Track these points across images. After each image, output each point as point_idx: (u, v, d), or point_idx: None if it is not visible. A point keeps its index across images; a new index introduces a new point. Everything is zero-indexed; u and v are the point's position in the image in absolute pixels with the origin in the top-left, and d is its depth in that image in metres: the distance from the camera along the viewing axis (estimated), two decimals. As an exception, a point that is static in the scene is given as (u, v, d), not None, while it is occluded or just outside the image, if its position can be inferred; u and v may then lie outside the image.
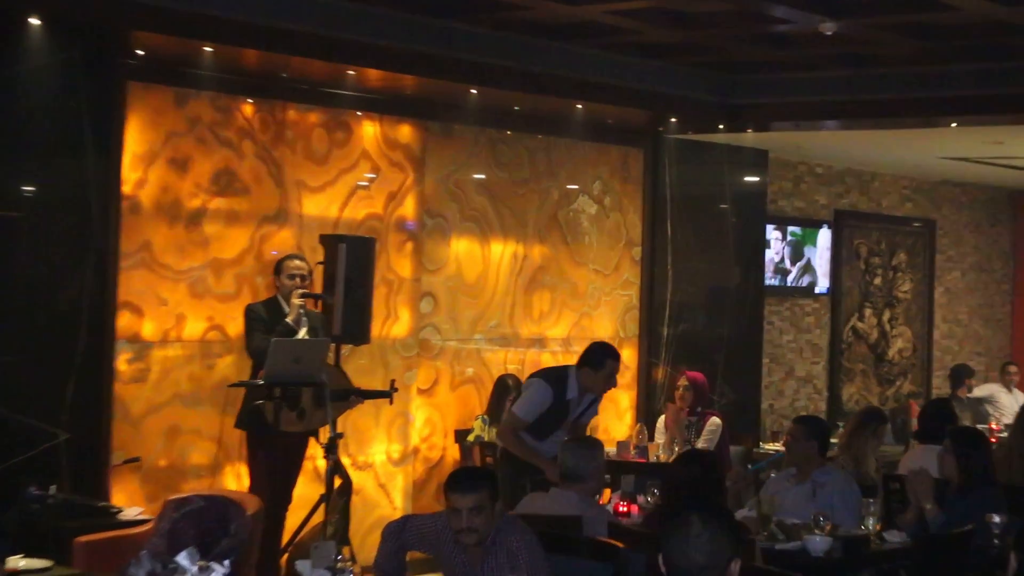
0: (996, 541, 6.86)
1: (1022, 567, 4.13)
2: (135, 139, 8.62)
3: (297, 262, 8.69)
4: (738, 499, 8.88)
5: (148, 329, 8.74)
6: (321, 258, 8.79)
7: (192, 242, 8.94)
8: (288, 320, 8.52)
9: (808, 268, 13.77)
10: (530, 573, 5.50)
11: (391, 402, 8.87)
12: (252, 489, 8.38)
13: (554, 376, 8.59)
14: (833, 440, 9.17)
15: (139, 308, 8.69)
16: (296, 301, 8.59)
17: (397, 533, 5.96)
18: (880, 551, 7.16)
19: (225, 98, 9.08)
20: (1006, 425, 12.64)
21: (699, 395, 10.50)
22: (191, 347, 8.95)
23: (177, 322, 8.87)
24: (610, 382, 8.73)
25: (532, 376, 8.71)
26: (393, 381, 8.75)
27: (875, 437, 8.89)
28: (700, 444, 10.12)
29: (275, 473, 8.50)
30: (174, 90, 8.83)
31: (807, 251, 13.72)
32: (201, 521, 6.01)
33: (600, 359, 8.63)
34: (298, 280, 8.62)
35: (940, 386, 15.35)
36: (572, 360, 11.04)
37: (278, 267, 8.68)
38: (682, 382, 10.59)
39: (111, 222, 8.36)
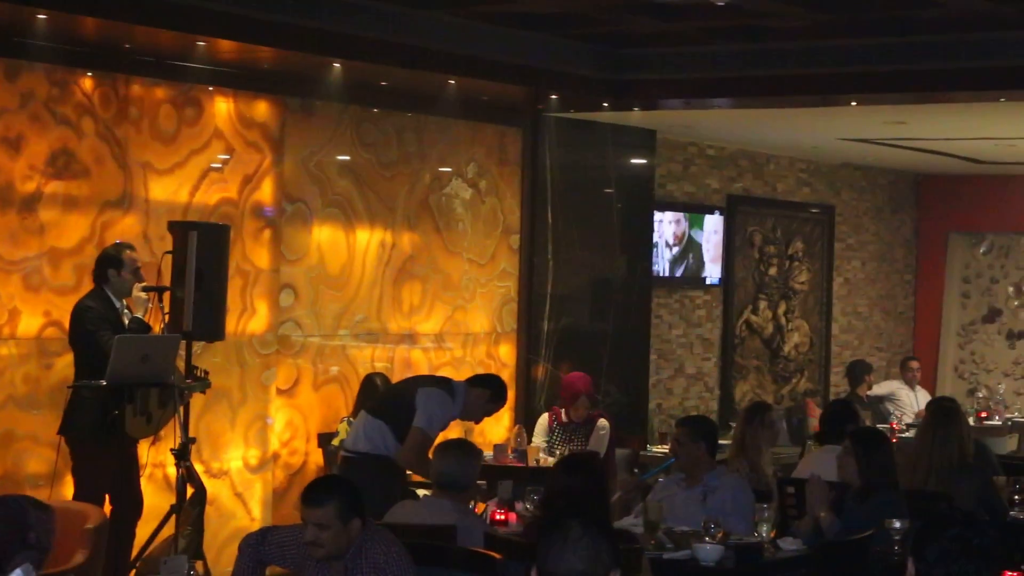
0: (897, 548, 7.00)
1: (920, 574, 4.22)
2: (-38, 116, 8.52)
3: (135, 254, 8.63)
4: (627, 507, 8.96)
5: (-22, 325, 8.65)
6: (169, 247, 8.73)
7: (26, 230, 8.84)
8: (139, 315, 8.48)
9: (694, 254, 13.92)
10: None
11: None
12: (77, 500, 8.29)
13: (448, 387, 8.66)
14: (724, 442, 9.30)
15: (-33, 302, 8.59)
16: (141, 295, 8.54)
17: (256, 546, 5.96)
18: (775, 559, 7.26)
19: (62, 71, 8.99)
20: (907, 424, 12.89)
21: (592, 399, 10.62)
22: (26, 345, 8.85)
23: (10, 318, 8.77)
24: (486, 414, 8.90)
25: (426, 387, 8.67)
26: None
27: (765, 427, 9.02)
28: (591, 449, 10.19)
29: (120, 481, 8.45)
30: (4, 61, 8.72)
31: (694, 235, 13.83)
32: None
33: (502, 393, 8.82)
34: (140, 274, 8.58)
35: (838, 383, 15.61)
36: (444, 358, 11.14)
37: (114, 260, 8.53)
38: (578, 398, 10.49)
39: (-64, 207, 8.26)
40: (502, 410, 11.40)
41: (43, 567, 4.42)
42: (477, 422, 9.21)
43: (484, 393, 8.73)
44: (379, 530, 5.82)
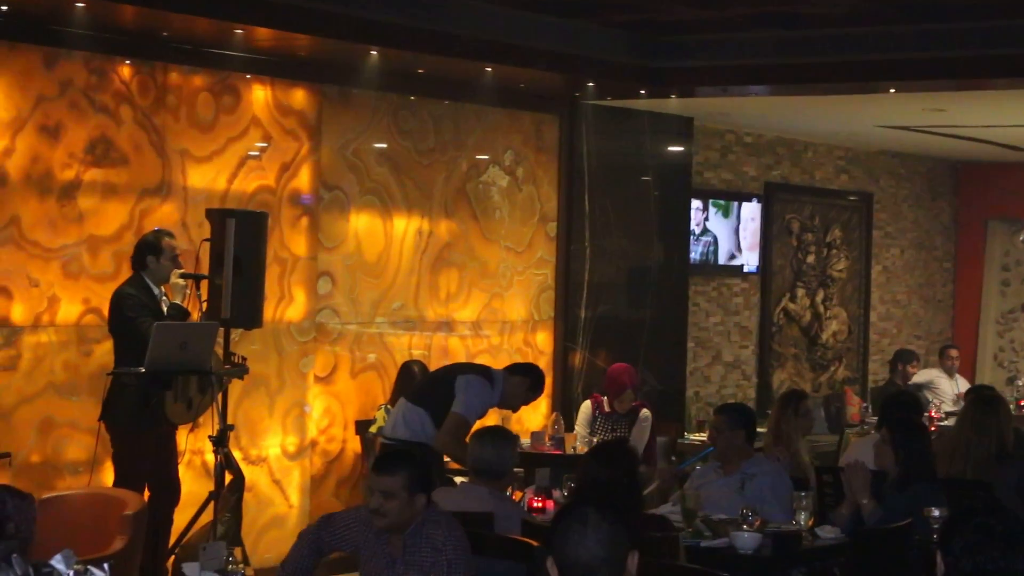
0: (935, 537, 6.97)
1: (950, 569, 4.21)
2: (0, 104, 8.54)
3: (175, 241, 8.66)
4: (665, 495, 8.97)
5: (18, 313, 8.68)
6: (207, 234, 8.76)
7: (65, 217, 8.88)
8: (177, 302, 8.51)
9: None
10: (450, 571, 5.55)
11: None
12: (117, 487, 8.33)
13: (488, 375, 8.70)
14: (762, 430, 9.28)
15: (7, 290, 8.63)
16: (179, 281, 8.57)
17: (316, 531, 6.01)
18: (813, 547, 7.25)
19: (100, 59, 9.02)
20: (946, 413, 12.84)
21: (637, 391, 10.62)
22: (66, 332, 8.89)
23: (50, 305, 8.81)
24: (526, 402, 8.92)
25: (465, 374, 8.70)
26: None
27: (799, 416, 8.98)
28: (633, 439, 10.18)
29: (159, 468, 8.48)
30: (43, 50, 8.76)
31: (721, 223, 13.75)
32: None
33: (541, 382, 8.84)
34: (179, 261, 8.62)
35: (877, 371, 15.56)
36: (482, 345, 11.15)
37: (153, 246, 8.57)
38: (625, 392, 10.51)
39: (-24, 195, 8.31)
40: (540, 398, 11.44)
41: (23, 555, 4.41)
42: (515, 411, 9.22)
43: (524, 381, 8.75)
44: (443, 513, 5.87)
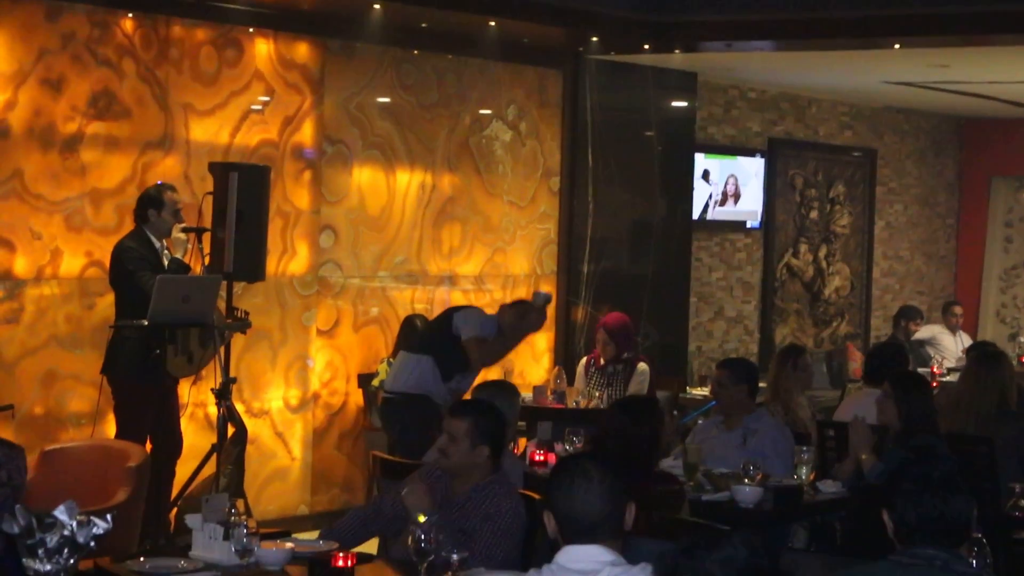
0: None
1: (898, 525, 4.22)
2: (3, 57, 8.53)
3: (176, 195, 8.66)
4: (666, 449, 8.98)
5: (20, 265, 8.68)
6: (210, 188, 8.75)
7: (68, 170, 8.87)
8: (178, 256, 8.52)
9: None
10: (495, 542, 5.59)
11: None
12: (119, 439, 8.35)
13: (482, 310, 8.87)
14: (764, 385, 9.30)
15: (10, 242, 8.63)
16: (181, 235, 8.57)
17: (379, 497, 6.04)
18: (814, 502, 7.28)
19: (102, 12, 9.00)
20: (948, 369, 12.85)
21: (623, 341, 10.49)
22: (68, 285, 8.90)
23: (52, 258, 8.82)
24: (517, 330, 8.91)
25: (460, 310, 8.98)
26: None
27: (798, 371, 8.99)
28: (631, 393, 10.18)
29: (161, 420, 8.50)
30: (45, 3, 8.74)
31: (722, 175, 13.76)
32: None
33: (526, 307, 8.93)
34: (180, 215, 8.61)
35: (879, 327, 15.57)
36: (484, 299, 11.16)
37: (155, 200, 8.56)
38: (600, 335, 10.54)
39: (-22, 148, 8.30)
40: (542, 352, 11.45)
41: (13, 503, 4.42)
42: (516, 344, 9.21)
43: (509, 310, 8.83)
44: (509, 484, 5.93)
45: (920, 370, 11.40)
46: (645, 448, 6.62)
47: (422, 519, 5.41)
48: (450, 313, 8.95)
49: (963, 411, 8.39)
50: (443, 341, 8.71)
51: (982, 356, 8.73)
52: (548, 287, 11.74)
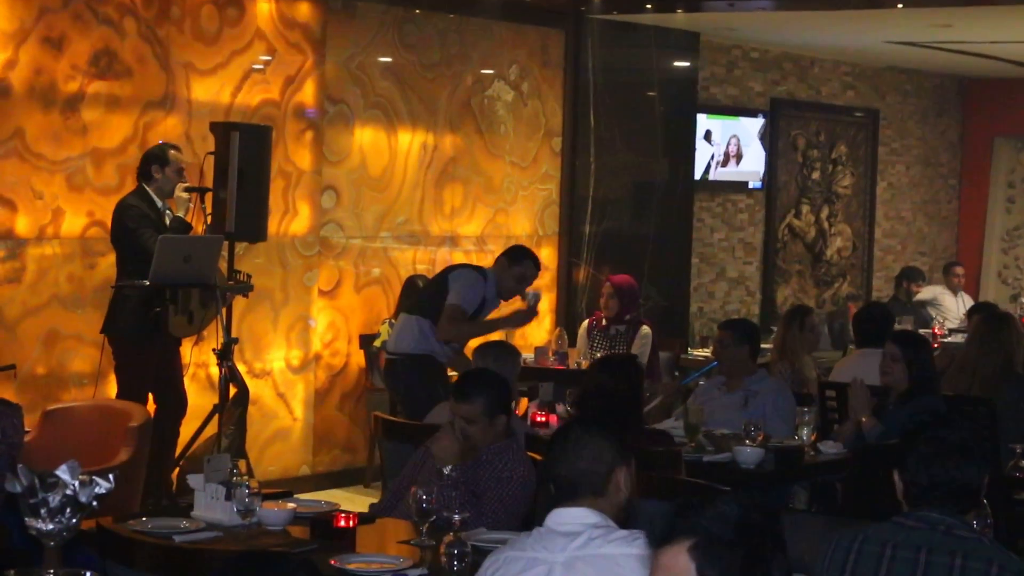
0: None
1: (908, 486, 4.23)
2: (3, 16, 8.50)
3: (180, 154, 8.65)
4: (668, 410, 8.99)
5: (22, 225, 8.68)
6: (211, 148, 8.74)
7: (69, 129, 8.86)
8: (180, 215, 8.51)
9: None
10: (503, 505, 5.62)
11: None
12: (121, 399, 8.35)
13: (478, 271, 8.78)
14: (765, 346, 9.30)
15: (11, 202, 8.62)
16: (183, 195, 8.56)
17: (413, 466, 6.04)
18: (815, 463, 7.29)
19: (104, -30, 8.98)
20: (950, 330, 12.86)
21: (628, 302, 10.48)
22: (70, 245, 8.90)
23: (54, 217, 8.81)
24: (518, 287, 8.87)
25: (455, 271, 8.81)
26: None
27: (805, 331, 9.01)
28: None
29: (163, 380, 8.51)
30: (48, -39, 8.72)
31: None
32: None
33: (519, 255, 8.83)
34: (183, 174, 8.61)
35: (881, 288, 15.57)
36: (486, 260, 11.14)
37: (159, 158, 8.56)
38: (606, 289, 10.54)
39: (-21, 107, 8.28)
40: (543, 313, 11.45)
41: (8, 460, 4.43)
42: (509, 297, 9.15)
43: (502, 261, 8.81)
44: (522, 448, 5.98)
45: (922, 331, 11.41)
46: (626, 405, 6.65)
47: (446, 471, 5.46)
48: (446, 273, 8.90)
49: (967, 373, 8.40)
50: (440, 302, 8.68)
51: (989, 318, 8.73)
52: (549, 248, 11.74)
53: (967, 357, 8.52)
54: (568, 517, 4.09)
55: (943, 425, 4.31)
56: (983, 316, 8.81)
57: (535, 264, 8.93)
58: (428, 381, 8.47)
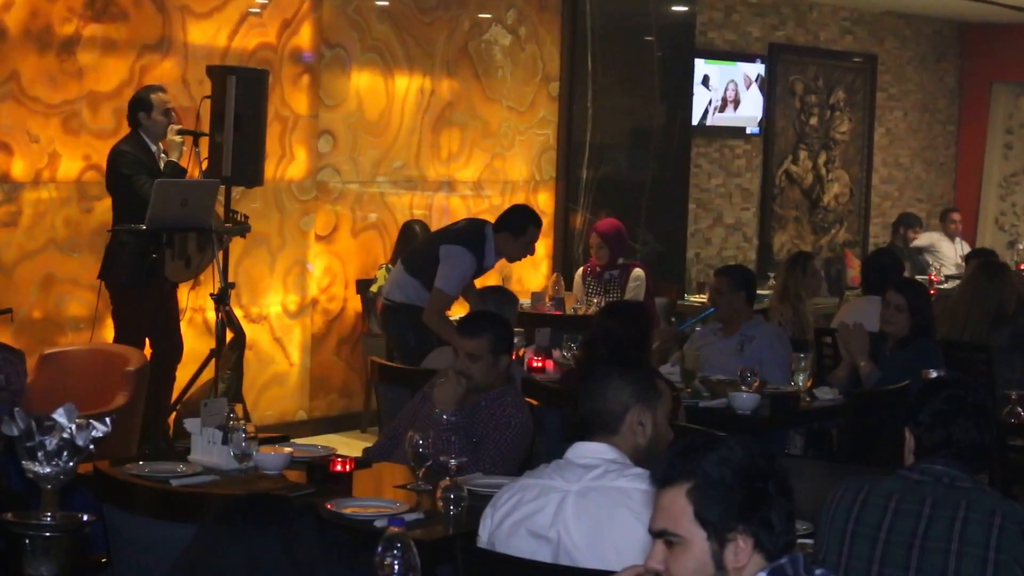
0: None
1: (920, 441, 4.24)
2: (0, -42, 8.47)
3: (166, 95, 8.61)
4: (664, 356, 9.00)
5: (18, 168, 8.66)
6: (208, 92, 8.72)
7: (65, 72, 8.82)
8: (173, 159, 8.48)
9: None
10: (498, 450, 5.64)
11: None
12: (118, 344, 8.36)
13: (473, 240, 8.60)
14: (762, 292, 9.31)
15: (7, 145, 8.60)
16: (176, 138, 8.53)
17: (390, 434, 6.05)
18: (810, 408, 7.31)
19: (100, -87, 8.92)
20: (946, 276, 12.87)
21: (616, 246, 10.44)
22: (66, 189, 8.88)
23: (50, 161, 8.79)
24: (527, 250, 8.81)
25: (447, 243, 8.64)
26: None
27: (807, 276, 9.05)
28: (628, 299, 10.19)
29: (160, 325, 8.51)
30: (42, -97, 8.66)
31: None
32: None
33: (522, 225, 8.69)
34: (173, 116, 8.57)
35: (878, 234, 15.57)
36: (483, 205, 11.13)
37: (143, 102, 8.52)
38: (594, 240, 10.51)
39: (-26, 50, 8.25)
40: (541, 259, 11.44)
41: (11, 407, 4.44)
42: (515, 261, 9.14)
43: (507, 237, 8.67)
44: (520, 394, 6.00)
45: (919, 277, 11.41)
46: (634, 350, 6.67)
47: (444, 416, 5.48)
48: (439, 241, 8.75)
49: (960, 319, 8.41)
50: (430, 267, 8.61)
51: (984, 266, 8.74)
52: (547, 193, 11.72)
53: (959, 303, 8.53)
54: (587, 451, 4.24)
55: (963, 385, 4.32)
56: (979, 263, 8.81)
57: (537, 224, 8.84)
58: (420, 329, 8.45)
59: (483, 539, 4.29)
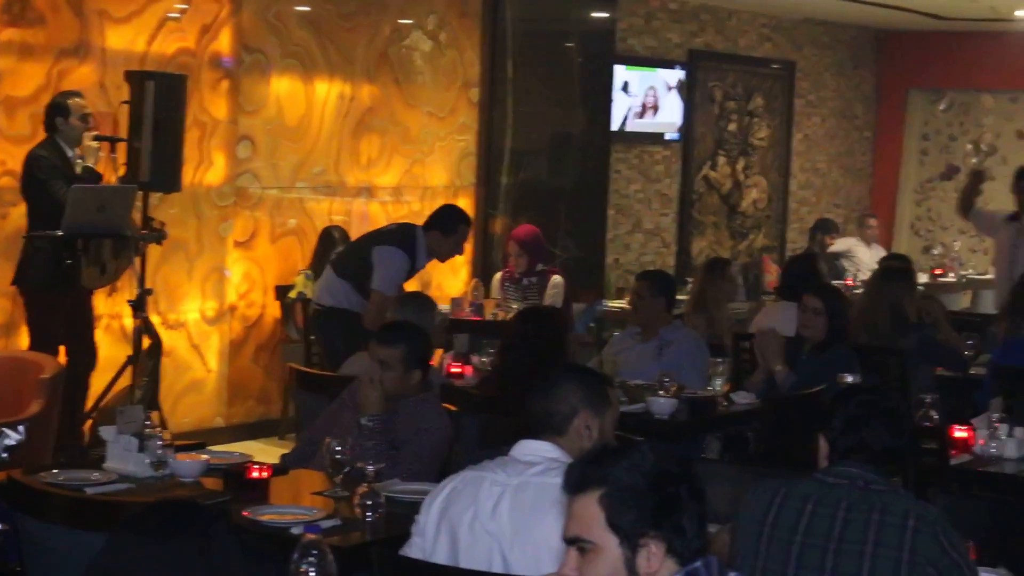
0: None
1: (833, 447, 4.29)
2: (-87, -39, 8.38)
3: (83, 101, 8.56)
4: (582, 361, 9.03)
5: (-68, 174, 8.58)
6: (126, 97, 8.67)
7: (-20, 78, 8.75)
8: (90, 164, 8.43)
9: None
10: (419, 455, 5.64)
11: None
12: (32, 351, 8.29)
13: (405, 241, 8.69)
14: (681, 297, 9.36)
15: (-79, 151, 8.52)
16: (93, 144, 8.48)
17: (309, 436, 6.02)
18: (727, 413, 7.35)
19: (16, -84, 8.85)
20: (862, 281, 12.97)
21: (535, 253, 10.50)
22: (-19, 194, 8.80)
23: (-35, 167, 8.71)
24: (457, 249, 8.88)
25: (379, 245, 8.68)
26: None
27: (725, 282, 9.11)
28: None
29: (74, 332, 8.45)
30: (-43, -94, 8.58)
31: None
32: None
33: (452, 223, 8.79)
34: (90, 121, 8.52)
35: (795, 240, 15.67)
36: (402, 211, 11.12)
37: (60, 107, 8.47)
38: (512, 248, 10.56)
39: None
40: (460, 265, 11.45)
41: None
42: (446, 259, 9.19)
43: (436, 235, 8.77)
44: (439, 401, 5.99)
45: (835, 283, 11.49)
46: (549, 354, 6.71)
47: (363, 421, 5.48)
48: (369, 245, 8.79)
49: (857, 321, 8.46)
50: (361, 270, 8.64)
51: (883, 269, 8.86)
52: (467, 199, 11.73)
53: (860, 310, 8.60)
54: (531, 448, 4.31)
55: (875, 391, 4.38)
56: (875, 270, 8.92)
57: (467, 223, 8.98)
58: (349, 334, 8.44)
59: (420, 529, 4.30)
